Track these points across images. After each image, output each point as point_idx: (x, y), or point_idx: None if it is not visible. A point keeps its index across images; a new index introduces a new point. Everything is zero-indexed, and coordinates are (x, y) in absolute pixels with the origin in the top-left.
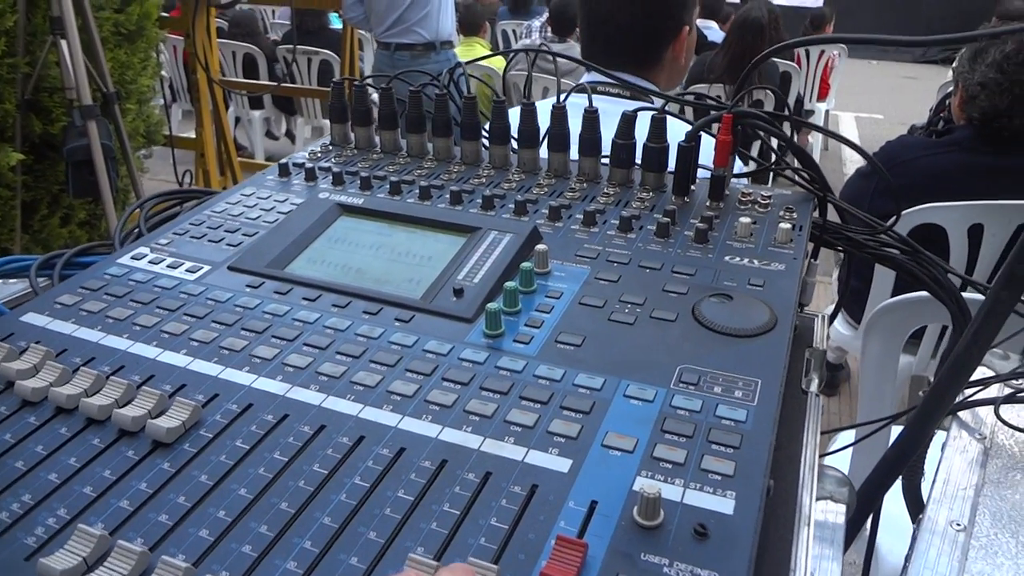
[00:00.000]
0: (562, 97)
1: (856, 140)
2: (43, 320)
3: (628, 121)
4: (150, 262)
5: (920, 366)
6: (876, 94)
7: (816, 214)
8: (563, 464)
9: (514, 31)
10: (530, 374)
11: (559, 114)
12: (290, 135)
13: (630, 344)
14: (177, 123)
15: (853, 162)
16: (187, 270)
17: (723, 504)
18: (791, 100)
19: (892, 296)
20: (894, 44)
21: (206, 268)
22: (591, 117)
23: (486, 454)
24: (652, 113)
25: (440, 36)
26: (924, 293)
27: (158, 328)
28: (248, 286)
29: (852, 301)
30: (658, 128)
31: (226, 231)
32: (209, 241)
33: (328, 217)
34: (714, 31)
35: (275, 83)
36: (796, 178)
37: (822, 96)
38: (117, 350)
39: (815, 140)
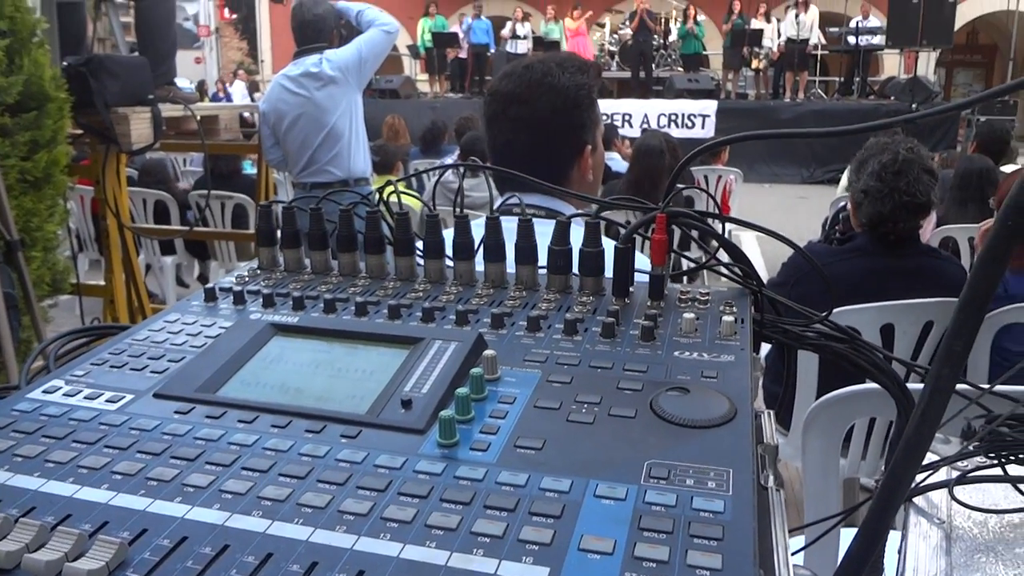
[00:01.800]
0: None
1: (759, 256)
2: None
3: (563, 228)
4: (65, 395)
5: (852, 468)
6: (772, 214)
7: (753, 309)
8: (540, 573)
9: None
10: (492, 481)
11: (494, 224)
12: (203, 279)
13: (592, 443)
14: (84, 273)
15: (763, 274)
16: (107, 400)
17: None
18: None
19: (817, 396)
20: (801, 136)
21: (129, 397)
22: (526, 225)
23: (455, 570)
24: (586, 219)
25: (353, 173)
26: (856, 388)
27: (75, 464)
28: (177, 412)
29: (776, 406)
30: (593, 234)
31: (150, 358)
32: (131, 369)
33: (261, 337)
34: (616, 162)
35: (187, 228)
36: (729, 274)
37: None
38: (27, 490)
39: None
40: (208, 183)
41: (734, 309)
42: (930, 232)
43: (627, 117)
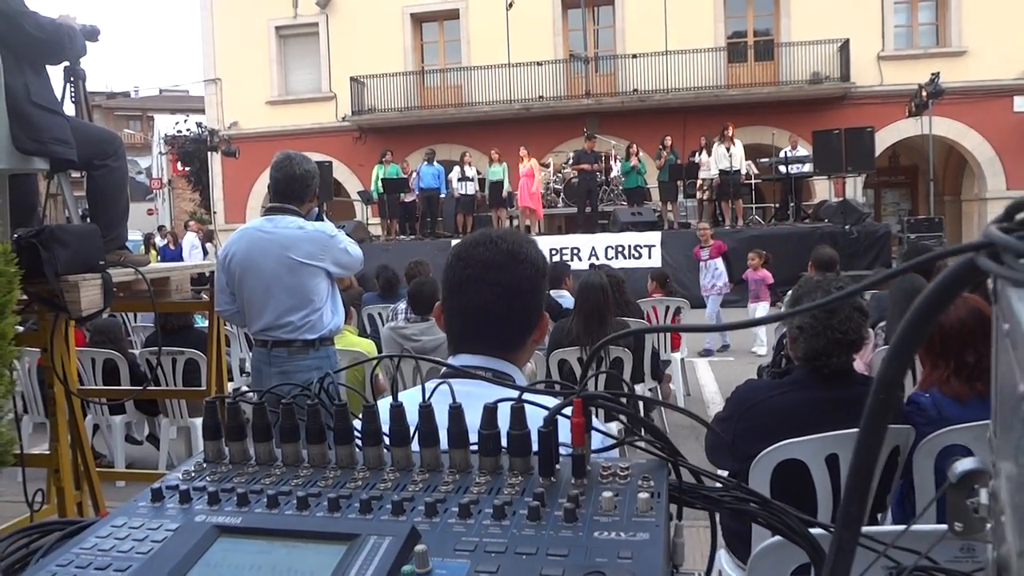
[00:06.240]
0: (428, 386)
1: (712, 381)
2: None
3: (490, 412)
4: None
5: None
6: (721, 338)
7: (673, 477)
8: None
9: (380, 314)
10: None
11: (426, 412)
12: (153, 438)
13: None
14: (28, 436)
15: (716, 404)
16: None
17: None
18: (647, 354)
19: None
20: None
21: None
22: (456, 412)
23: None
24: (512, 404)
25: (320, 333)
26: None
27: None
28: None
29: (737, 542)
30: (518, 417)
31: (96, 569)
32: None
33: (205, 541)
34: (567, 299)
35: (139, 387)
36: (648, 448)
37: (675, 346)
38: None
39: (676, 387)
40: (159, 341)
41: (651, 483)
42: (870, 354)
43: (576, 251)
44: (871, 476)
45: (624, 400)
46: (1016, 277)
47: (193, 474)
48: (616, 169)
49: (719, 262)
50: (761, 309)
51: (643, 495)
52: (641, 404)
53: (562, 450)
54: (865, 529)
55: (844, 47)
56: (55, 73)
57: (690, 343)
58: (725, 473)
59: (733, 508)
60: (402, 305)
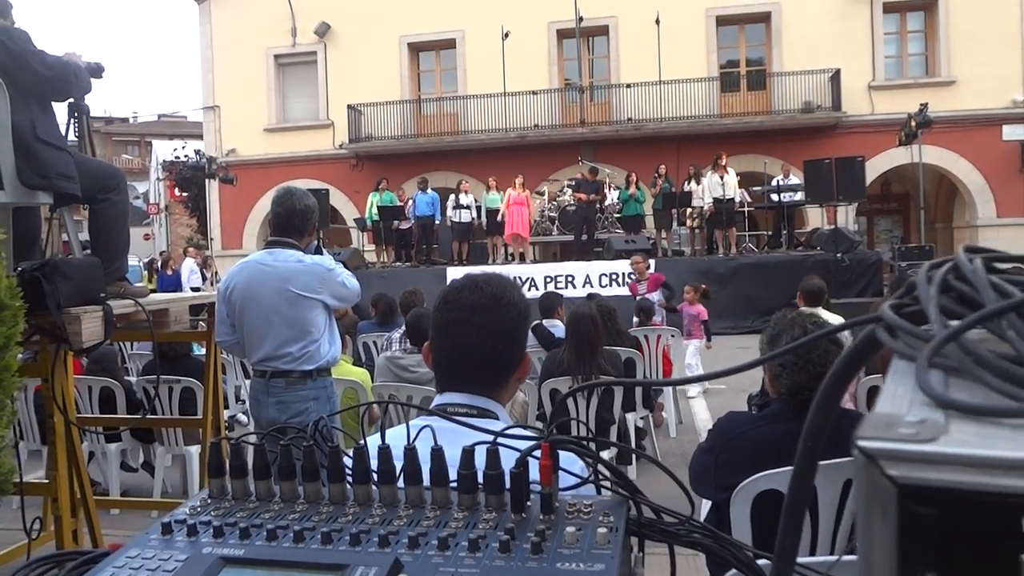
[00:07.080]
0: (412, 427)
1: (705, 410)
2: None
3: (468, 455)
4: None
5: None
6: (715, 366)
7: (634, 512)
8: None
9: (375, 342)
10: None
11: (411, 455)
12: (148, 466)
13: None
14: (23, 463)
15: (709, 427)
16: None
17: None
18: None
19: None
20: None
21: None
22: (438, 454)
23: None
24: (487, 447)
25: (318, 363)
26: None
27: None
28: None
29: (717, 568)
30: (493, 459)
31: None
32: None
33: (211, 571)
34: (559, 328)
35: (137, 416)
36: (611, 487)
37: (666, 375)
38: None
39: (668, 415)
40: (157, 370)
41: (610, 519)
42: (854, 385)
43: (570, 278)
44: (803, 513)
45: (589, 443)
46: (901, 351)
47: (199, 509)
48: (611, 197)
49: (658, 295)
50: (692, 348)
51: (602, 530)
52: (630, 439)
53: (536, 487)
54: (802, 560)
55: (835, 77)
56: (59, 108)
57: (682, 373)
58: (709, 503)
59: (687, 541)
60: (396, 334)
